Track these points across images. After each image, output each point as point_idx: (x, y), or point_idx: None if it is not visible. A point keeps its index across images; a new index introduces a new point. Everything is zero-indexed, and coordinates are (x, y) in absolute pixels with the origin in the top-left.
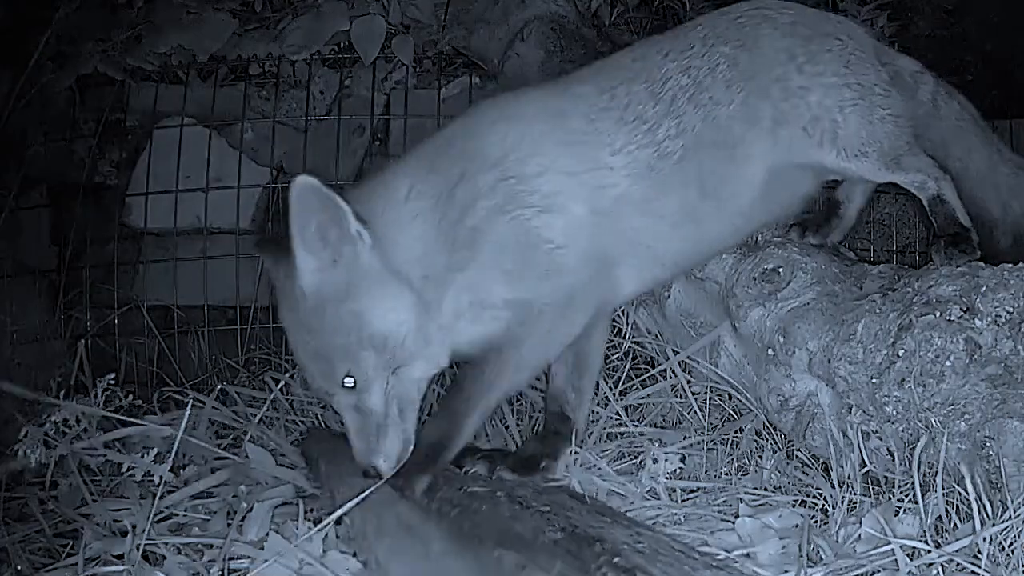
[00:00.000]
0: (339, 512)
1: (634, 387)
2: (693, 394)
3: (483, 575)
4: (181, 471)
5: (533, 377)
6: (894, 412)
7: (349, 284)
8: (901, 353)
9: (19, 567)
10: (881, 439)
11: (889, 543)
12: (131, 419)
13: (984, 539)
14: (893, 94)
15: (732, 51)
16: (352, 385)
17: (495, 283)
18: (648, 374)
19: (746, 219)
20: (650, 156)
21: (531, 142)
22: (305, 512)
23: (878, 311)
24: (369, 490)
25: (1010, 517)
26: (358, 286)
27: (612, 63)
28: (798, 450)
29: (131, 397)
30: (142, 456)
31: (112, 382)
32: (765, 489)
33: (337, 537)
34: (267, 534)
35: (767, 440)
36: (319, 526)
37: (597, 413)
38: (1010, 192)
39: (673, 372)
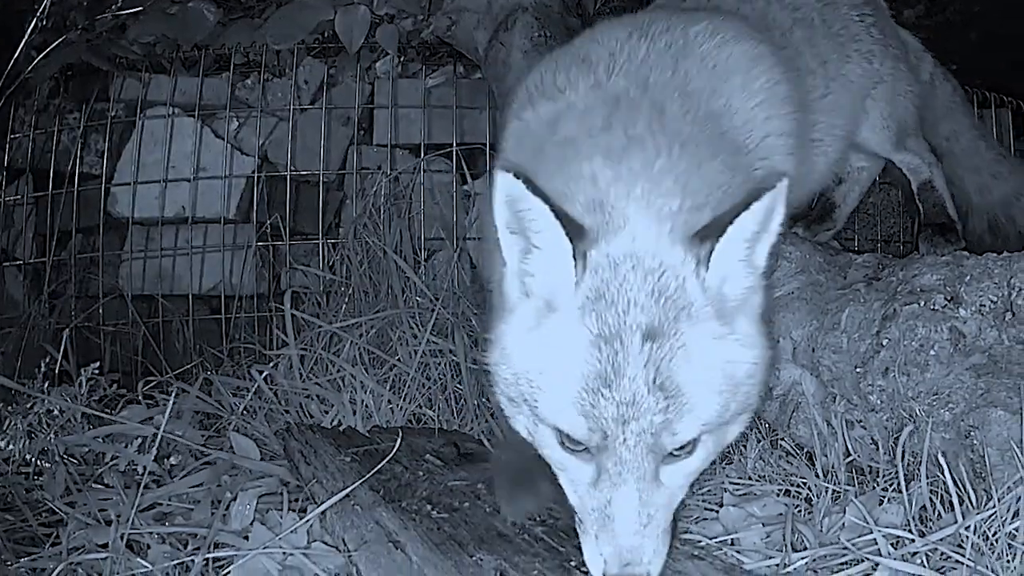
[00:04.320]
0: (324, 505)
1: None
2: None
3: None
4: (165, 460)
5: None
6: (878, 401)
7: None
8: (885, 342)
9: (3, 556)
10: (865, 428)
11: (872, 532)
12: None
13: (968, 528)
14: (911, 73)
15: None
16: (681, 451)
17: None
18: None
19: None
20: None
21: None
22: (289, 503)
23: (862, 300)
24: (349, 488)
25: (995, 506)
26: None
27: None
28: (782, 439)
29: (115, 386)
30: (126, 446)
31: (96, 371)
32: (749, 478)
33: (323, 528)
34: (252, 524)
35: (751, 429)
36: (304, 519)
37: None
38: (991, 176)
39: None
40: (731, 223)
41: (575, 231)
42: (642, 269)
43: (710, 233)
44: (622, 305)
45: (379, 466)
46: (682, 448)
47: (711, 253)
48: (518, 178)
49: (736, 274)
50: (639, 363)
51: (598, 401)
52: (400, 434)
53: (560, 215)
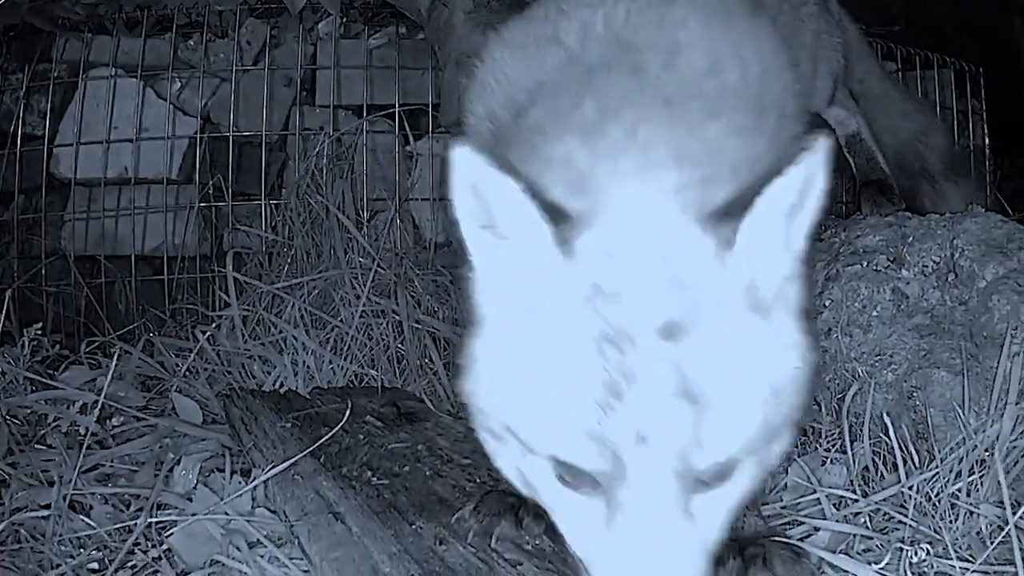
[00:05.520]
0: (267, 474)
1: None
2: None
3: (403, 554)
4: (108, 422)
5: None
6: (821, 362)
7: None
8: (828, 303)
9: None
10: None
11: (815, 492)
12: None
13: (911, 488)
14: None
15: None
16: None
17: None
18: None
19: None
20: None
21: None
22: (233, 466)
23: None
24: (291, 460)
25: (937, 467)
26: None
27: None
28: None
29: (58, 347)
30: (68, 407)
31: (39, 332)
32: None
33: (266, 496)
34: (195, 487)
35: None
36: (250, 484)
37: None
38: (900, 116)
39: None
40: (759, 194)
41: (556, 215)
42: (649, 255)
43: (734, 208)
44: (629, 299)
45: (321, 441)
46: (717, 474)
47: (736, 232)
48: (478, 154)
49: (770, 259)
50: (657, 365)
51: (606, 416)
52: (345, 401)
53: (535, 195)
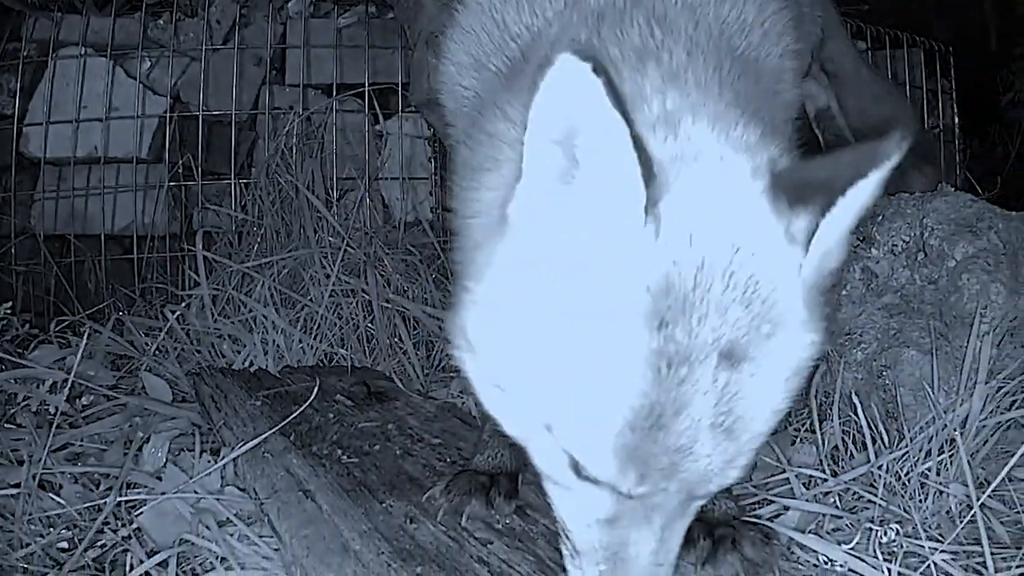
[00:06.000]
0: (237, 451)
1: None
2: None
3: (373, 532)
4: (78, 401)
5: None
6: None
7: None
8: None
9: None
10: None
11: (785, 472)
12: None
13: (881, 468)
14: None
15: None
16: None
17: None
18: None
19: None
20: None
21: None
22: (202, 444)
23: None
24: (261, 436)
25: (907, 446)
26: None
27: None
28: None
29: (27, 326)
30: (38, 386)
31: (9, 311)
32: None
33: (235, 474)
34: (165, 465)
35: None
36: (219, 462)
37: None
38: (872, 100)
39: None
40: (843, 193)
41: (649, 170)
42: (729, 244)
43: (807, 196)
44: (699, 309)
45: (291, 417)
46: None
47: (815, 232)
48: (597, 74)
49: (831, 257)
50: (709, 400)
51: (646, 446)
52: (315, 379)
53: (638, 142)
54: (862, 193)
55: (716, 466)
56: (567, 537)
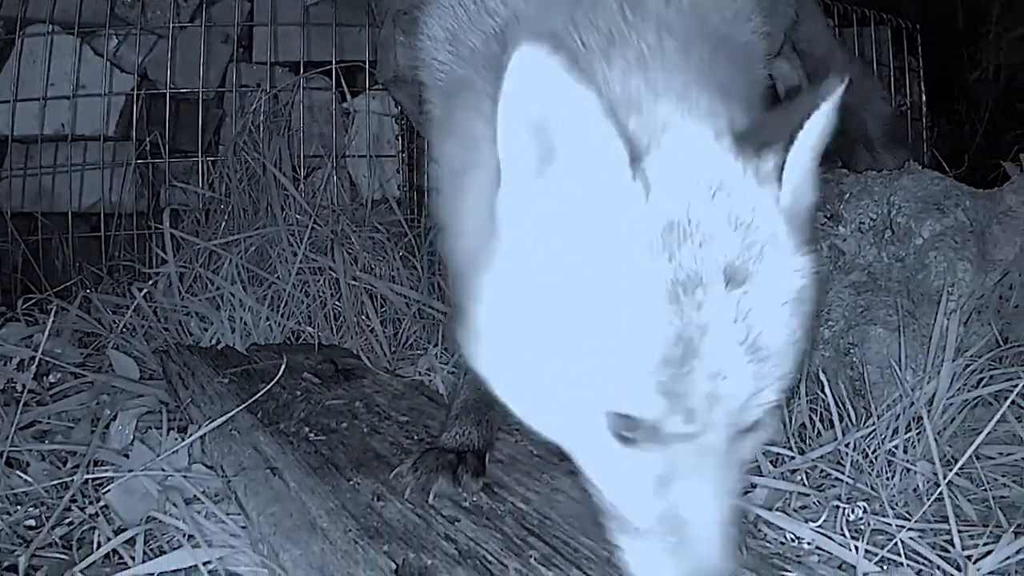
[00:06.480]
0: (204, 428)
1: None
2: None
3: (340, 509)
4: (45, 378)
5: None
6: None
7: None
8: None
9: None
10: None
11: None
12: None
13: (848, 445)
14: None
15: None
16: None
17: None
18: None
19: None
20: None
21: None
22: (169, 422)
23: None
24: (229, 413)
25: (874, 424)
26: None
27: None
28: None
29: None
30: (5, 364)
31: None
32: None
33: (203, 452)
34: (132, 443)
35: None
36: (186, 440)
37: None
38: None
39: None
40: (800, 126)
41: (625, 135)
42: (707, 187)
43: (769, 139)
44: (698, 237)
45: (258, 395)
46: (753, 425)
47: (783, 165)
48: (554, 55)
49: (803, 190)
50: (727, 318)
51: (684, 374)
52: (282, 357)
53: (608, 110)
54: (817, 124)
55: (751, 387)
56: (622, 522)
